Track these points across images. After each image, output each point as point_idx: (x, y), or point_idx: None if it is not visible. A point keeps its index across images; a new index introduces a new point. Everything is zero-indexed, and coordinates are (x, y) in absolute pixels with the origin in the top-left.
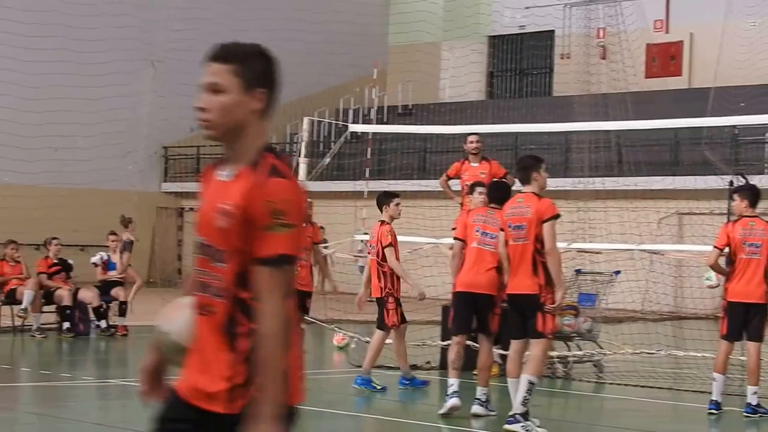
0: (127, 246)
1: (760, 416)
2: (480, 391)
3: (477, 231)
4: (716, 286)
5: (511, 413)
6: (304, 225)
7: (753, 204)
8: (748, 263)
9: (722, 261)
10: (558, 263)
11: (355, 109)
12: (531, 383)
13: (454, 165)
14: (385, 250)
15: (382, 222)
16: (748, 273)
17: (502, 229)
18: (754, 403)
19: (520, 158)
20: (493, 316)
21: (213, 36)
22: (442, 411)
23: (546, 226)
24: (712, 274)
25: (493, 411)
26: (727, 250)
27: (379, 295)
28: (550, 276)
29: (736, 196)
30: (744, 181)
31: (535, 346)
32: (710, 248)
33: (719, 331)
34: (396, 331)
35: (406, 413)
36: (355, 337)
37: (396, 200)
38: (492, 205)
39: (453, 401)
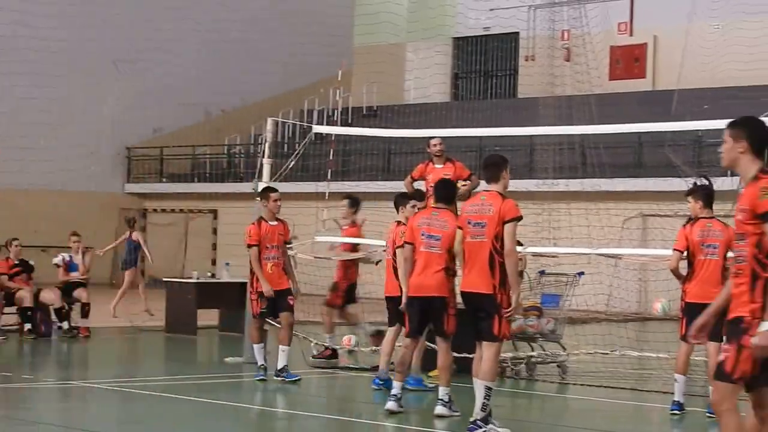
0: (136, 248)
1: None
2: (442, 392)
3: (422, 235)
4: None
5: (471, 419)
6: (277, 222)
7: (708, 205)
8: (707, 264)
9: (683, 264)
10: (515, 265)
11: (320, 110)
12: (488, 388)
13: (418, 167)
14: (397, 250)
15: (398, 222)
16: (706, 274)
17: (459, 227)
18: None
19: (488, 156)
20: (447, 318)
21: (175, 38)
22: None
23: (508, 227)
24: (666, 305)
25: (457, 411)
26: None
27: (395, 294)
28: (506, 277)
29: (690, 199)
30: (707, 182)
31: (488, 349)
32: (671, 251)
33: (678, 332)
34: (393, 331)
35: (373, 414)
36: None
37: (412, 202)
38: (438, 204)
39: (438, 409)
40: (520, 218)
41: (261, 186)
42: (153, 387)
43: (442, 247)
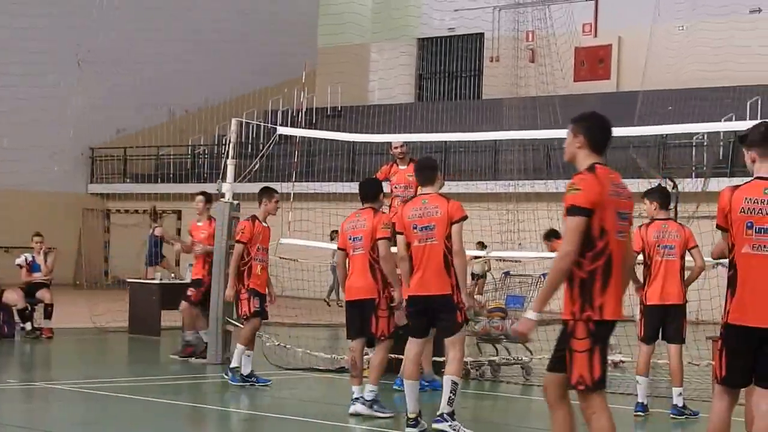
0: (157, 242)
1: (686, 417)
2: (367, 389)
3: (349, 239)
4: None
5: (438, 412)
6: (266, 224)
7: (663, 206)
8: (664, 265)
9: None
10: (464, 264)
11: (284, 110)
12: (455, 383)
13: (383, 168)
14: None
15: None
16: (663, 275)
17: (400, 232)
18: (680, 404)
19: (423, 159)
20: (378, 319)
21: (139, 38)
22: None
23: (455, 227)
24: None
25: (385, 411)
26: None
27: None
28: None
29: (645, 200)
30: (672, 184)
31: (454, 346)
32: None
33: (637, 334)
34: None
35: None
36: None
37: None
38: (363, 205)
39: (354, 407)
40: (465, 218)
41: (225, 186)
42: (116, 388)
43: (364, 247)
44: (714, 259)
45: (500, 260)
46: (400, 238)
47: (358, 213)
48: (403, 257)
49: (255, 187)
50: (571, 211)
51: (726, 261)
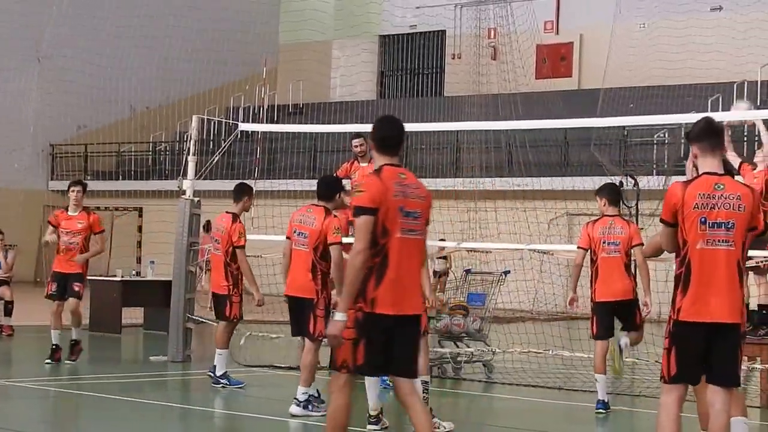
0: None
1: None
2: (300, 391)
3: (294, 232)
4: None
5: None
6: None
7: (613, 203)
8: (609, 261)
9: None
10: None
11: (246, 107)
12: (425, 382)
13: (343, 165)
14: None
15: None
16: (609, 271)
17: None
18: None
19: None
20: (316, 319)
21: (99, 34)
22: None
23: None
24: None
25: (320, 409)
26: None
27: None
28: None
29: (597, 197)
30: (633, 181)
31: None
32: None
33: (590, 332)
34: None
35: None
36: None
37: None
38: (318, 202)
39: (291, 408)
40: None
41: (185, 183)
42: (77, 386)
43: (308, 245)
44: (647, 257)
45: (470, 251)
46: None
47: (309, 208)
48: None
49: (216, 185)
50: (356, 212)
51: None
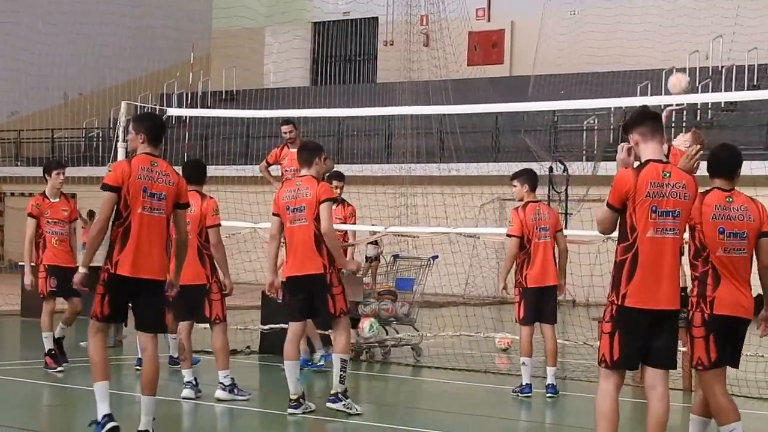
0: None
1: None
2: (221, 375)
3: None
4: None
5: (332, 392)
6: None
7: (533, 188)
8: (542, 247)
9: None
10: (335, 244)
11: (179, 93)
12: (344, 360)
13: (273, 151)
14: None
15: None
16: (540, 257)
17: (275, 214)
18: (555, 383)
19: (305, 141)
20: (212, 303)
21: (31, 19)
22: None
23: (322, 207)
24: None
25: (244, 394)
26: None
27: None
28: (332, 256)
29: (515, 182)
30: (563, 167)
31: (337, 326)
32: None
33: (516, 317)
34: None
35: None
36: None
37: (334, 183)
38: (191, 188)
39: (216, 393)
40: (333, 199)
41: None
42: (7, 371)
43: (191, 231)
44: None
45: (398, 235)
46: (274, 219)
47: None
48: (273, 236)
49: None
50: (102, 188)
51: None
